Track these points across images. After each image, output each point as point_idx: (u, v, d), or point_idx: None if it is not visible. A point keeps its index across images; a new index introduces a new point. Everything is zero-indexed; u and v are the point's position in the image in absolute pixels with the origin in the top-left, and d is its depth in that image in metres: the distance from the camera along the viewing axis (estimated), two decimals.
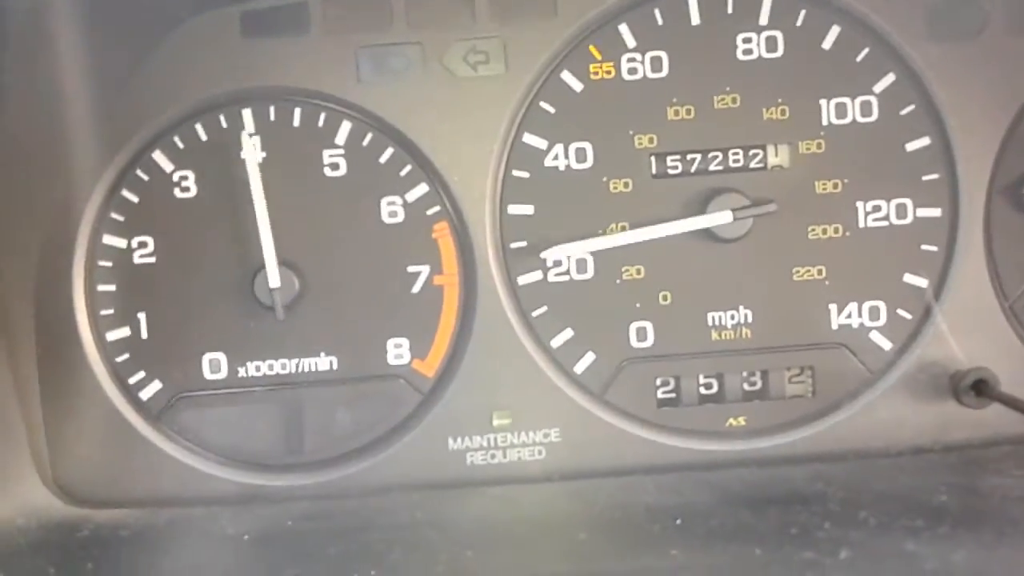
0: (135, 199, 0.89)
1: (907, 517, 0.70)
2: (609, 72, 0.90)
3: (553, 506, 0.80)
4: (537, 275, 0.91)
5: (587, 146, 0.90)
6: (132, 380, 0.89)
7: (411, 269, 0.91)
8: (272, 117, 0.89)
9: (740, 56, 0.89)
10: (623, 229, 0.90)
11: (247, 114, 0.89)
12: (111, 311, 0.89)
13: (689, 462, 0.89)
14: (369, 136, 0.90)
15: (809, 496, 0.78)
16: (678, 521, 0.73)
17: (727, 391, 0.91)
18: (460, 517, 0.78)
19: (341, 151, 0.90)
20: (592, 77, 0.90)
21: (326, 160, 0.90)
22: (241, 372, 0.90)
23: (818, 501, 0.76)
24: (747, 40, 0.89)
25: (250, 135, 0.88)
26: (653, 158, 0.90)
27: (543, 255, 0.88)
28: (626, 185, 0.90)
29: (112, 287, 0.89)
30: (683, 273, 0.90)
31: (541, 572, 0.65)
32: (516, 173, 0.90)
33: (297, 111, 0.89)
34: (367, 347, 0.91)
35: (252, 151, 0.88)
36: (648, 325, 0.91)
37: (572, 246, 0.88)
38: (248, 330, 0.90)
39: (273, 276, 0.87)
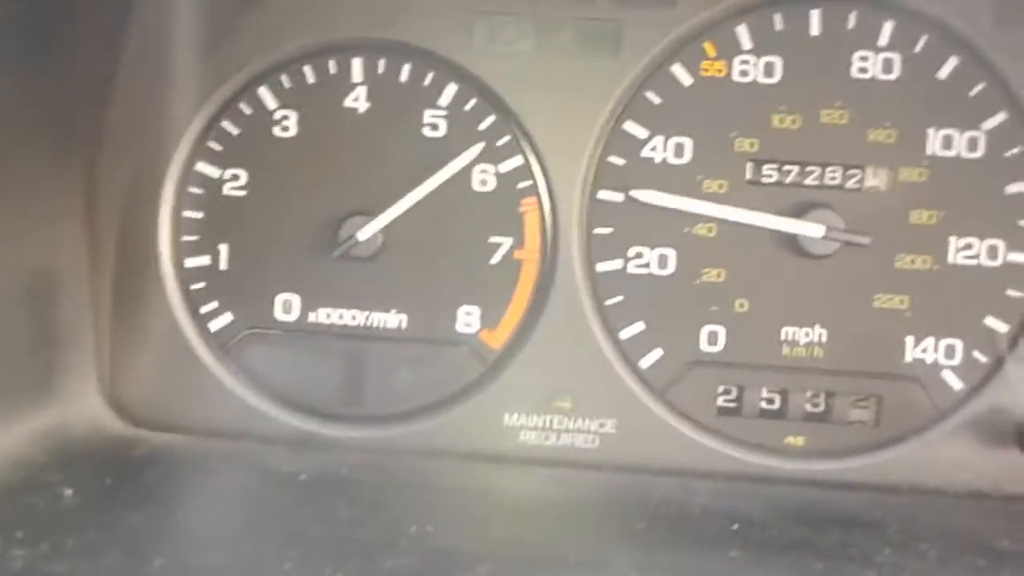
0: (234, 131, 0.90)
1: (969, 555, 0.69)
2: (720, 71, 0.90)
3: (608, 493, 0.80)
4: (617, 264, 0.90)
5: (687, 142, 0.90)
6: (204, 309, 0.90)
7: (493, 240, 0.91)
8: (381, 69, 0.90)
9: (854, 74, 0.88)
10: (710, 231, 0.90)
11: (357, 63, 0.89)
12: (194, 238, 0.90)
13: (743, 473, 0.89)
14: (473, 102, 0.90)
15: (867, 522, 0.77)
16: (735, 526, 0.73)
17: (789, 408, 0.90)
18: (516, 491, 0.78)
19: (443, 112, 0.90)
20: (702, 73, 0.89)
21: (426, 119, 0.90)
22: (312, 317, 0.91)
23: (876, 528, 0.75)
24: (863, 59, 0.88)
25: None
26: (750, 163, 0.90)
27: (632, 193, 0.87)
28: (720, 187, 0.90)
29: (199, 215, 0.90)
30: (763, 283, 0.90)
31: (602, 554, 0.64)
32: (612, 159, 0.90)
33: (406, 67, 0.90)
34: (438, 310, 0.91)
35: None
36: (721, 330, 0.90)
37: (666, 196, 0.87)
38: (325, 277, 0.90)
39: (361, 227, 0.88)
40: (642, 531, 0.70)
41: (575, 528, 0.71)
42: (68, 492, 0.65)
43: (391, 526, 0.68)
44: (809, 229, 0.87)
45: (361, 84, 0.90)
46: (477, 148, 0.89)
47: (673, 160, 0.90)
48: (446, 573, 0.59)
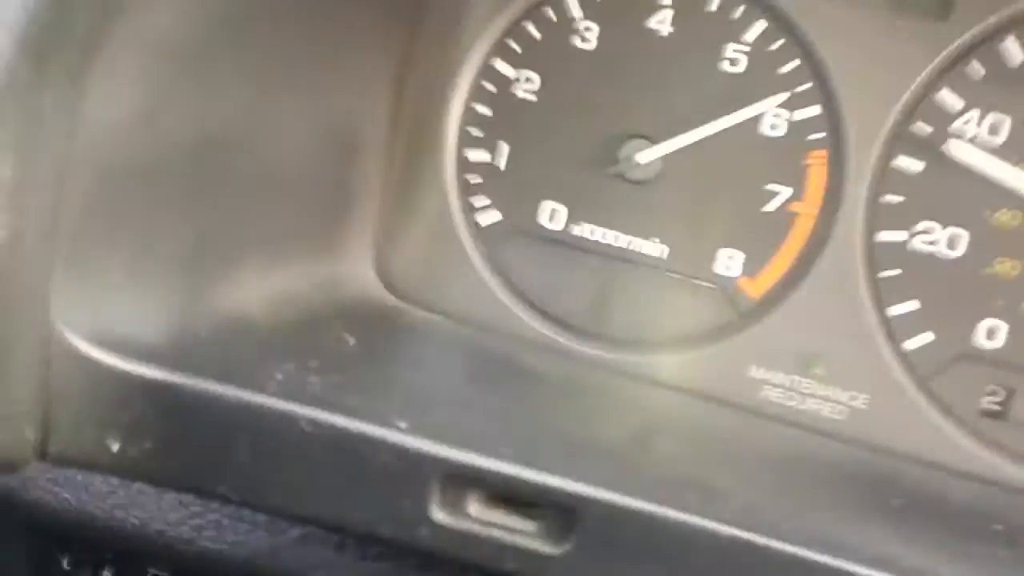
0: (536, 35, 0.90)
1: None
2: None
3: (856, 465, 0.77)
4: (902, 235, 0.85)
5: (1005, 121, 0.83)
6: (475, 203, 0.92)
7: (771, 187, 0.87)
8: None
9: None
10: (1014, 219, 0.82)
11: None
12: (479, 132, 0.92)
13: (998, 480, 0.82)
14: (779, 42, 0.86)
15: None
16: (999, 527, 0.68)
17: None
18: (761, 441, 0.76)
19: (746, 48, 0.87)
20: None
21: (728, 53, 0.88)
22: (576, 230, 0.91)
23: None
24: None
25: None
26: None
27: (948, 146, 0.81)
28: None
29: (488, 110, 0.92)
30: None
31: (861, 519, 0.62)
32: (917, 126, 0.85)
33: None
34: (701, 248, 0.89)
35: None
36: (1002, 327, 0.84)
37: (990, 159, 0.80)
38: (596, 193, 0.90)
39: (641, 150, 0.87)
40: (898, 507, 0.67)
41: (826, 487, 0.69)
42: (350, 340, 0.69)
43: (639, 440, 0.68)
44: None
45: (668, 7, 0.88)
46: (780, 97, 0.86)
47: (986, 138, 0.84)
48: (706, 497, 0.58)
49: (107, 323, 0.56)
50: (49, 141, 0.48)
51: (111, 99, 0.51)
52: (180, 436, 0.56)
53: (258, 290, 0.69)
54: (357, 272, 0.86)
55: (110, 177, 0.54)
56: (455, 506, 0.57)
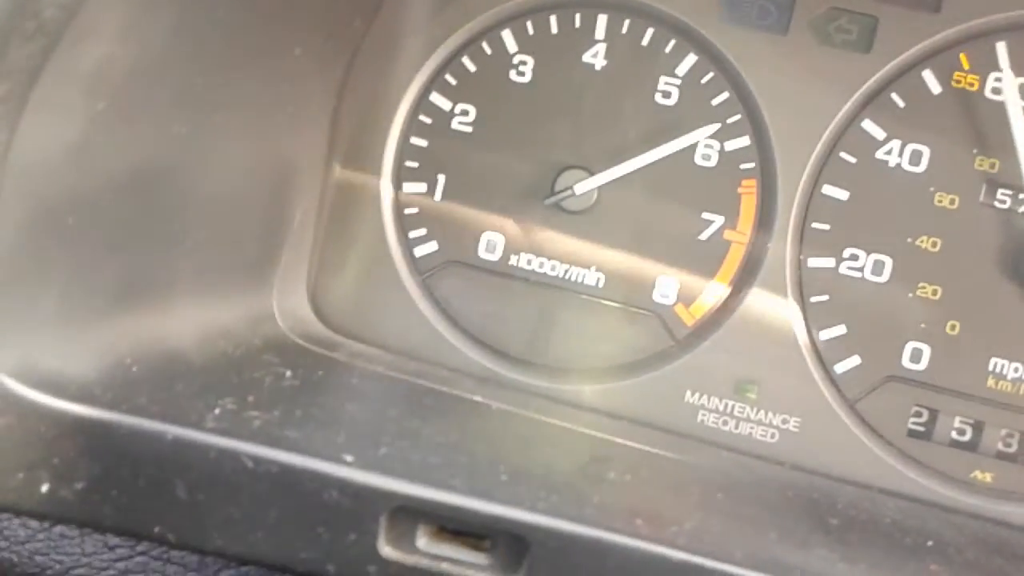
0: (472, 68, 0.91)
1: None
2: (972, 85, 0.86)
3: (792, 487, 0.78)
4: (829, 262, 0.88)
5: (925, 150, 0.87)
6: (412, 234, 0.91)
7: (705, 216, 0.89)
8: (624, 30, 0.89)
9: None
10: (934, 245, 0.87)
11: (602, 20, 0.89)
12: (415, 164, 0.91)
13: (925, 499, 0.85)
14: (710, 75, 0.89)
15: None
16: (930, 543, 0.70)
17: (982, 443, 0.86)
18: (700, 464, 0.77)
19: (678, 82, 0.90)
20: (954, 84, 0.86)
21: (661, 86, 0.90)
22: (512, 260, 0.91)
23: None
24: None
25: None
26: (986, 184, 0.86)
27: None
28: (952, 202, 0.86)
29: (424, 143, 0.91)
30: (980, 309, 0.86)
31: (802, 537, 0.62)
32: (843, 155, 0.88)
33: (649, 31, 0.89)
34: (638, 276, 0.90)
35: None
36: (926, 349, 0.87)
37: None
38: (533, 223, 0.90)
39: (578, 181, 0.88)
40: (836, 527, 0.68)
41: (767, 509, 0.69)
42: (287, 373, 0.67)
43: (584, 468, 0.68)
44: None
45: (602, 41, 0.90)
46: (711, 128, 0.88)
47: (908, 167, 0.87)
48: (654, 522, 0.58)
49: (36, 360, 0.53)
50: None
51: (43, 133, 0.49)
52: (114, 476, 0.53)
53: (193, 324, 0.67)
54: (291, 306, 0.84)
55: (41, 211, 0.52)
56: (404, 541, 0.56)
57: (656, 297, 0.91)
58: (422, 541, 0.56)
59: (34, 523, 0.71)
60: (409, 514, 0.56)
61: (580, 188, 0.89)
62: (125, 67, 0.51)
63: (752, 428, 0.89)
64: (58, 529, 0.72)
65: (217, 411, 0.56)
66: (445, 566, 0.57)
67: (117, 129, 0.53)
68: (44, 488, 0.52)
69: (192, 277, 0.67)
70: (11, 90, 0.44)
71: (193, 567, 0.71)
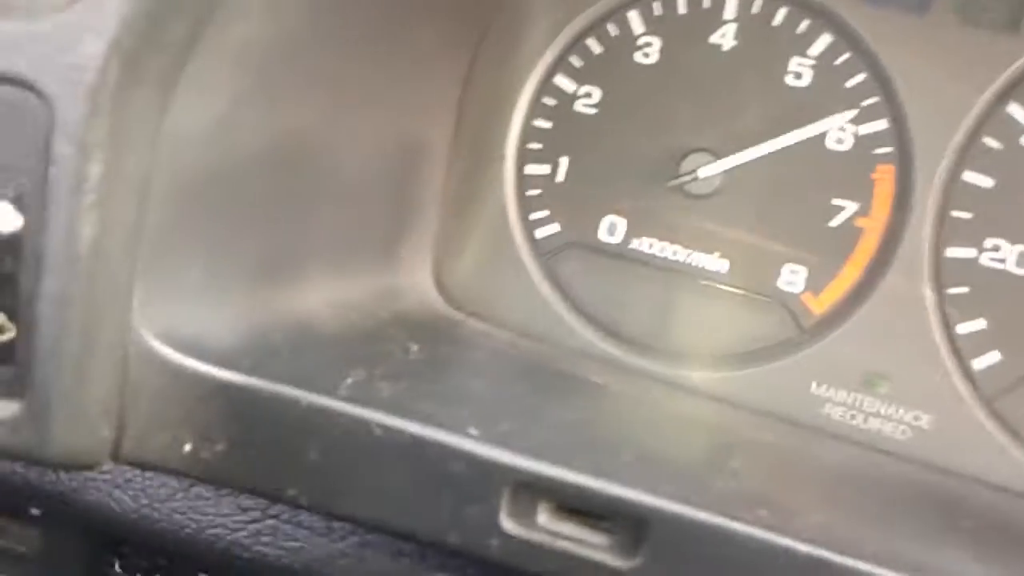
0: (597, 50, 0.91)
1: None
2: None
3: (922, 486, 0.75)
4: (970, 252, 0.84)
5: None
6: (533, 216, 0.92)
7: (836, 202, 0.86)
8: (755, 9, 0.87)
9: None
10: None
11: (731, 0, 0.89)
12: (539, 146, 0.92)
13: None
14: (845, 56, 0.86)
15: None
16: None
17: None
18: (825, 458, 0.75)
19: (811, 62, 0.87)
20: None
21: (792, 67, 0.87)
22: (634, 244, 0.90)
23: None
24: None
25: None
26: None
27: None
28: None
29: (548, 124, 0.92)
30: None
31: (935, 538, 0.60)
32: (987, 141, 0.83)
33: (782, 11, 0.87)
34: (763, 263, 0.88)
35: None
36: None
37: None
38: (656, 207, 0.89)
39: (703, 164, 0.86)
40: (969, 529, 0.65)
41: (897, 506, 0.67)
42: (414, 347, 0.69)
43: (708, 455, 0.67)
44: None
45: (732, 21, 0.88)
46: (846, 111, 0.85)
47: None
48: (779, 513, 0.57)
49: (183, 326, 0.56)
50: (136, 144, 0.49)
51: (194, 107, 0.52)
52: (252, 439, 0.56)
53: (325, 297, 0.69)
54: (416, 283, 0.86)
55: (189, 183, 0.55)
56: (525, 516, 0.57)
57: (782, 285, 0.88)
58: (543, 517, 0.57)
59: (174, 482, 0.76)
60: (530, 490, 0.56)
61: (704, 172, 0.87)
62: (268, 46, 0.53)
63: (882, 424, 0.86)
64: (196, 489, 0.76)
65: (349, 380, 0.58)
66: (565, 544, 0.57)
67: (259, 106, 0.56)
68: (187, 448, 0.55)
69: (325, 252, 0.70)
70: (167, 64, 0.46)
71: (321, 531, 0.74)
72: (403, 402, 0.57)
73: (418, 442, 0.55)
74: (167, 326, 0.55)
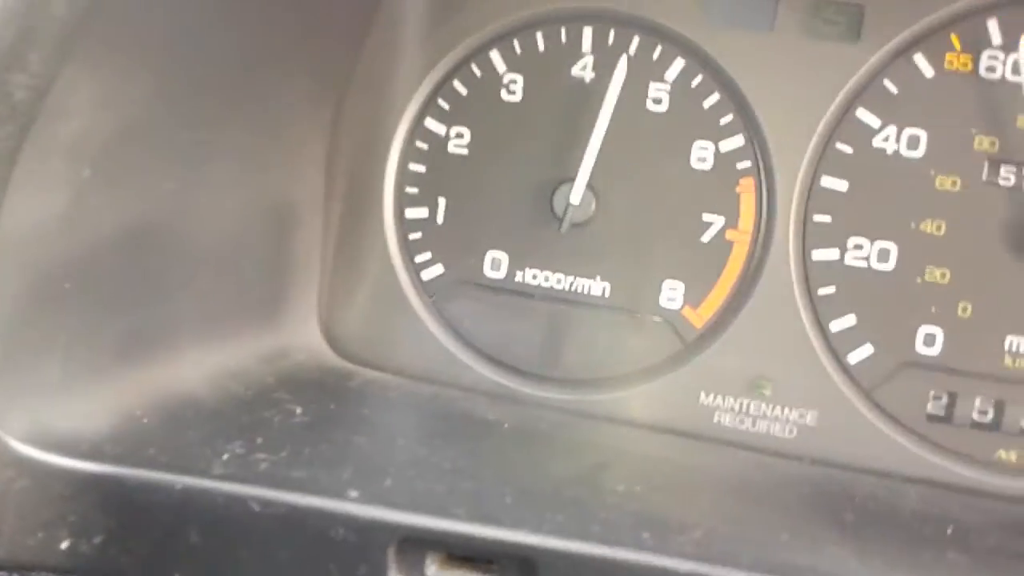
0: (464, 91, 0.92)
1: None
2: (965, 65, 0.85)
3: (809, 483, 0.78)
4: (834, 253, 0.88)
5: (922, 135, 0.86)
6: (418, 259, 0.93)
7: (706, 218, 0.90)
8: (610, 41, 0.90)
9: None
10: (938, 229, 0.86)
11: (587, 32, 0.90)
12: (415, 190, 0.93)
13: (949, 483, 0.84)
14: (699, 78, 0.89)
15: None
16: (950, 530, 0.70)
17: (1004, 422, 0.85)
18: (715, 467, 0.77)
19: (667, 87, 0.90)
20: (946, 66, 0.86)
21: (651, 93, 0.90)
22: (518, 276, 0.92)
23: None
24: None
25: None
26: (988, 163, 0.86)
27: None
28: (953, 184, 0.86)
29: (422, 168, 0.93)
30: (992, 289, 0.85)
31: (815, 536, 0.63)
32: (839, 146, 0.88)
33: (635, 39, 0.90)
34: (643, 283, 0.90)
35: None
36: (939, 332, 0.86)
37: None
38: (535, 239, 0.91)
39: (577, 193, 0.88)
40: (852, 522, 0.68)
41: (781, 509, 0.70)
42: (298, 410, 0.69)
43: (591, 481, 0.69)
44: None
45: (589, 54, 0.91)
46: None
47: (906, 152, 0.87)
48: (661, 534, 0.59)
49: (47, 422, 0.56)
50: None
51: (31, 205, 0.52)
52: (130, 528, 0.55)
53: (202, 369, 0.69)
54: (304, 339, 0.86)
55: (37, 280, 0.55)
56: (414, 570, 0.58)
57: (663, 302, 0.91)
58: (431, 569, 0.58)
59: None
60: (417, 544, 0.57)
61: (577, 200, 0.89)
62: (106, 134, 0.53)
63: (769, 425, 0.89)
64: None
65: (225, 456, 0.58)
66: None
67: (104, 193, 0.56)
68: (64, 545, 0.54)
69: (198, 323, 0.69)
70: None
71: None
72: (281, 472, 0.58)
73: (297, 512, 0.55)
74: (29, 425, 0.55)
